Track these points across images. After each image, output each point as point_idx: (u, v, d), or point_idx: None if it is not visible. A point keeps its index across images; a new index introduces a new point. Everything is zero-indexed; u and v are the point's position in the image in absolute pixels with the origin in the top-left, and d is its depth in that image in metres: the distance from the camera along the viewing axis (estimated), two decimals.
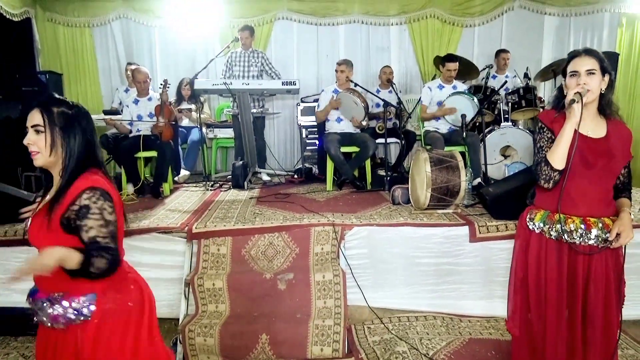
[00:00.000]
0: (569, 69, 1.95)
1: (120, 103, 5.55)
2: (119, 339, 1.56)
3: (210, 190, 4.68)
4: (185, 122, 5.52)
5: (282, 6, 5.90)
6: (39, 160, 1.54)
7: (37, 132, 1.53)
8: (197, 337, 2.84)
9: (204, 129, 5.21)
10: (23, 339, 3.18)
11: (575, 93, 1.87)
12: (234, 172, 4.77)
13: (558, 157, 1.92)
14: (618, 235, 1.94)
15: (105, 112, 5.32)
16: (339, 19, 5.98)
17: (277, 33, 6.05)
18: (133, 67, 5.40)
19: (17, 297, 3.27)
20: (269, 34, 5.99)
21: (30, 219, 1.59)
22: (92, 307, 1.52)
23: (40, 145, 1.53)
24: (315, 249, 3.24)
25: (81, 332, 1.52)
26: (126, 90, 5.55)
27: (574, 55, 1.96)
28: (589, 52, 1.94)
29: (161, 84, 4.56)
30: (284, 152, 6.17)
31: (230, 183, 4.86)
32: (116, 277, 1.56)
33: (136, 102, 4.71)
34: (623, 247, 2.03)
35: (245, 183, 4.75)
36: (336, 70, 4.76)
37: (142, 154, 4.56)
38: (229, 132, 5.58)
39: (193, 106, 5.47)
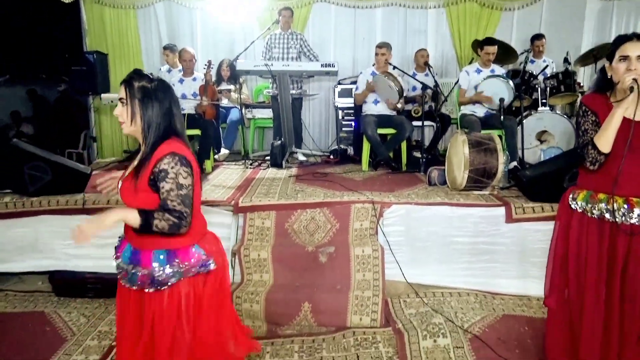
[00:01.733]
0: (619, 53, 1.98)
1: None
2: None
3: (250, 168, 4.86)
4: (224, 102, 5.70)
5: None
6: (125, 129, 1.73)
7: (122, 104, 1.71)
8: (244, 304, 3.03)
9: (242, 109, 5.38)
10: (81, 300, 3.44)
11: (632, 79, 1.91)
12: (272, 151, 4.92)
13: (606, 141, 1.98)
14: None
15: None
16: (377, 2, 6.00)
17: (315, 16, 6.12)
18: (168, 50, 5.60)
19: (76, 262, 3.56)
20: (307, 16, 6.07)
21: (120, 182, 1.77)
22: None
23: (124, 116, 1.71)
24: (354, 225, 3.38)
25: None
26: (169, 71, 5.75)
27: (624, 39, 1.99)
28: (639, 36, 1.98)
29: (205, 65, 4.73)
30: (319, 133, 6.29)
31: (268, 162, 5.02)
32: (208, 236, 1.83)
33: (181, 81, 4.91)
34: None
35: (283, 162, 4.91)
36: (376, 53, 4.83)
37: (187, 132, 4.74)
38: (266, 113, 5.74)
39: (232, 87, 5.63)
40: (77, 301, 3.44)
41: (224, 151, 5.40)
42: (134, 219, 1.60)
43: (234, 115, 5.54)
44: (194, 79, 4.88)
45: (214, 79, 5.62)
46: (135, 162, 1.73)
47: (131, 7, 6.03)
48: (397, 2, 6.02)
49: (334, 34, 6.20)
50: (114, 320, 3.11)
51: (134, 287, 1.74)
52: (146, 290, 1.70)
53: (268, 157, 5.15)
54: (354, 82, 5.29)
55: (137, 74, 1.75)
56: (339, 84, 5.65)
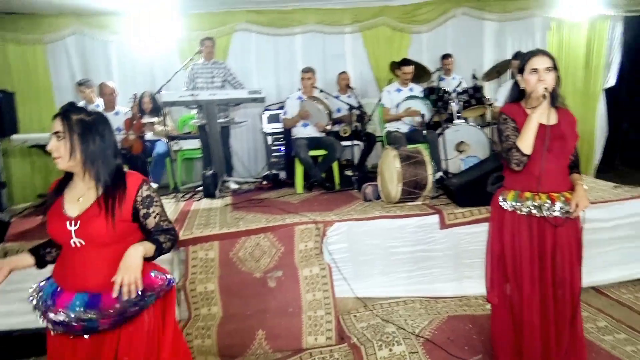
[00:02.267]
0: (529, 66, 2.24)
1: None
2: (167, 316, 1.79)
3: (182, 200, 4.74)
4: (148, 135, 5.53)
5: (240, 18, 6.05)
6: (60, 165, 1.66)
7: (58, 138, 1.63)
8: (195, 340, 2.94)
9: (168, 142, 5.25)
10: None
11: (544, 89, 2.16)
12: (204, 181, 4.84)
13: (527, 143, 2.22)
14: (576, 205, 2.26)
15: None
16: (296, 29, 6.20)
17: (236, 44, 6.18)
18: (84, 86, 5.37)
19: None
20: (228, 45, 6.11)
21: (72, 220, 1.66)
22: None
23: (61, 151, 1.63)
24: (299, 247, 3.42)
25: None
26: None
27: (532, 54, 2.26)
28: (544, 52, 2.26)
29: (130, 98, 4.59)
30: (249, 160, 6.28)
31: (200, 193, 4.92)
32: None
33: None
34: (581, 218, 2.36)
35: (217, 192, 4.84)
36: (302, 78, 4.97)
37: None
38: (193, 143, 5.64)
39: (156, 119, 5.49)
40: None
41: (153, 185, 5.21)
42: (150, 249, 1.65)
43: (160, 148, 5.39)
44: (116, 114, 4.72)
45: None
46: (84, 200, 1.67)
47: (39, 42, 5.73)
48: (315, 29, 6.25)
49: (255, 61, 6.28)
50: None
51: (87, 335, 1.64)
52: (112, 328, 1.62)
53: (199, 188, 5.05)
54: (281, 108, 5.38)
55: (72, 106, 1.70)
56: (266, 110, 5.71)
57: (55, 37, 5.76)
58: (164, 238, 1.72)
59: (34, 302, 1.70)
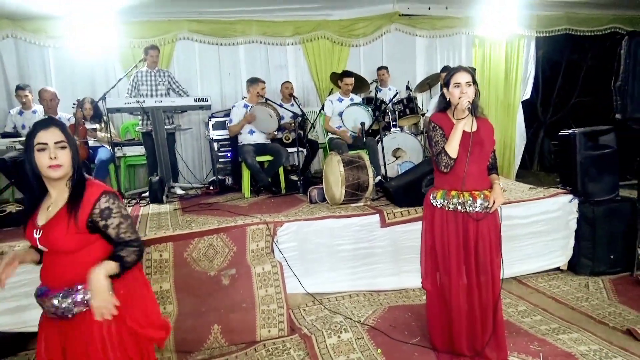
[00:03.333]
0: (453, 81, 2.59)
1: (14, 126, 5.33)
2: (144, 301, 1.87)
3: (129, 206, 4.75)
4: (91, 142, 5.46)
5: (183, 27, 6.12)
6: (59, 173, 1.71)
7: (62, 147, 1.71)
8: None
9: (113, 148, 5.23)
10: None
11: (467, 102, 2.52)
12: (151, 187, 4.88)
13: (454, 148, 2.56)
14: (494, 202, 2.64)
15: (3, 135, 5.08)
16: (239, 39, 6.36)
17: (179, 53, 6.24)
18: (26, 91, 5.24)
19: None
20: (171, 53, 6.16)
21: (38, 228, 1.74)
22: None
23: (64, 160, 1.70)
24: (251, 246, 3.60)
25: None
26: (20, 113, 5.34)
27: (455, 71, 2.62)
28: (465, 68, 2.63)
29: (74, 104, 4.55)
30: (193, 166, 6.34)
31: (146, 199, 4.95)
32: None
33: None
34: (499, 212, 2.73)
35: (164, 197, 4.90)
36: (255, 88, 5.14)
37: None
38: (136, 150, 5.63)
39: (97, 125, 5.44)
40: None
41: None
42: (112, 268, 1.67)
43: (102, 154, 5.33)
44: (59, 119, 4.64)
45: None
46: (52, 207, 1.76)
47: None
48: (258, 40, 6.45)
49: (199, 69, 6.36)
50: None
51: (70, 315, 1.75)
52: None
53: (144, 194, 5.08)
54: (227, 115, 5.53)
55: (54, 118, 1.80)
56: (212, 117, 5.82)
57: None
58: (126, 252, 1.74)
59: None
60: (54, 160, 1.68)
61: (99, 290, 1.62)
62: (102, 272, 1.64)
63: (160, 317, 2.00)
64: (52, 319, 1.78)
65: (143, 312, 1.86)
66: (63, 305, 1.72)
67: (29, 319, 3.16)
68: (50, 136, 1.69)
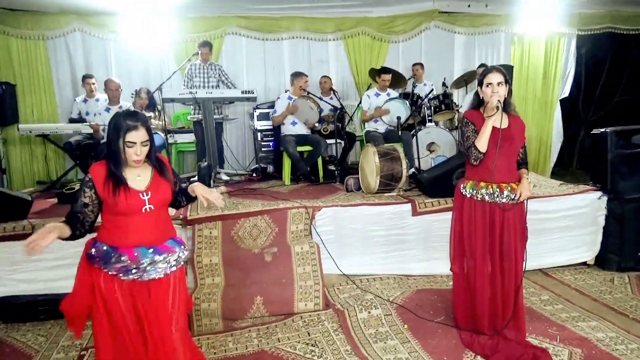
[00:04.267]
0: (485, 81, 2.80)
1: (79, 113, 5.86)
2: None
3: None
4: None
5: (231, 23, 6.51)
6: (140, 163, 2.11)
7: (145, 145, 2.08)
8: (202, 303, 3.42)
9: (166, 135, 5.67)
10: (31, 324, 3.54)
11: (498, 100, 2.73)
12: (200, 172, 5.28)
13: (483, 143, 2.78)
14: (520, 194, 2.85)
15: (70, 121, 5.62)
16: (283, 35, 6.70)
17: (228, 47, 6.63)
18: (92, 80, 5.76)
19: (24, 286, 3.64)
20: (220, 47, 6.56)
21: (147, 192, 2.14)
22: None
23: (144, 154, 2.10)
24: (291, 228, 3.93)
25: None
26: (85, 101, 5.86)
27: (488, 71, 2.82)
28: (497, 69, 2.83)
29: (132, 94, 5.00)
30: (237, 154, 6.74)
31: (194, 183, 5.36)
32: None
33: (108, 110, 5.12)
34: (525, 204, 2.94)
35: (211, 182, 5.30)
36: (299, 81, 5.45)
37: None
38: (187, 137, 6.08)
39: (152, 114, 5.90)
40: (28, 325, 3.54)
41: None
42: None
43: (156, 140, 5.68)
44: (120, 107, 5.12)
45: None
46: (143, 176, 2.17)
47: (40, 38, 6.04)
48: (301, 35, 6.77)
49: (245, 63, 6.74)
50: (74, 336, 3.31)
51: (150, 277, 2.11)
52: (169, 271, 2.14)
53: (193, 179, 5.49)
54: (271, 107, 5.88)
55: (144, 117, 2.14)
56: (257, 108, 6.20)
57: (56, 33, 6.08)
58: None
59: (96, 257, 2.10)
60: (138, 156, 2.07)
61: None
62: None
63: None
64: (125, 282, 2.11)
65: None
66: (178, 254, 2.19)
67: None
68: (137, 136, 2.05)
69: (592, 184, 4.62)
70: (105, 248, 2.11)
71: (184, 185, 2.36)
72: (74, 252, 3.56)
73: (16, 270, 3.62)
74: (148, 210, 2.11)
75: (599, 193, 4.40)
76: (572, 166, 9.67)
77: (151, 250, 2.10)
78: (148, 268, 2.09)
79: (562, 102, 7.60)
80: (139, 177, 2.15)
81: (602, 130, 4.47)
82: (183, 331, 2.25)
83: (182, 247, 2.24)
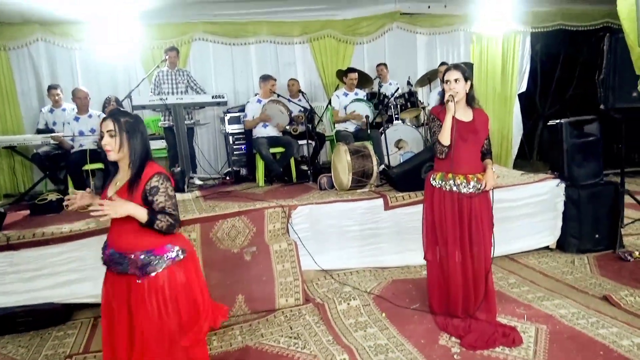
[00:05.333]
0: (445, 78, 3.00)
1: (46, 123, 5.79)
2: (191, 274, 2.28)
3: None
4: None
5: (198, 28, 6.57)
6: (111, 156, 2.13)
7: (111, 136, 2.11)
8: None
9: None
10: (11, 336, 3.50)
11: (449, 95, 2.93)
12: (173, 178, 5.31)
13: (445, 137, 2.97)
14: (485, 184, 3.05)
15: (38, 131, 5.55)
16: (250, 39, 6.81)
17: (195, 52, 6.69)
18: (57, 90, 5.69)
19: (2, 298, 3.61)
20: (188, 53, 6.61)
21: (108, 198, 2.16)
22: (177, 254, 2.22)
23: (113, 146, 2.11)
24: (269, 227, 4.03)
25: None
26: (51, 111, 5.79)
27: (446, 70, 3.03)
28: (455, 66, 3.02)
29: (105, 102, 5.00)
30: (210, 158, 6.78)
31: None
32: (178, 236, 2.27)
33: (77, 119, 5.10)
34: (490, 192, 3.14)
35: (185, 187, 5.35)
36: (266, 84, 5.59)
37: (90, 167, 4.97)
38: (157, 144, 6.06)
39: None
40: (7, 337, 3.50)
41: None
42: (142, 215, 2.06)
43: None
44: (90, 116, 5.11)
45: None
46: (119, 183, 2.18)
47: (2, 49, 5.96)
48: (267, 39, 6.89)
49: (214, 68, 6.82)
50: (57, 345, 3.35)
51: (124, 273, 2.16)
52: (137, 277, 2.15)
53: None
54: (242, 110, 5.96)
55: (119, 111, 2.23)
56: (227, 112, 6.26)
57: (19, 43, 6.01)
58: (161, 217, 2.08)
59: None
60: (104, 146, 2.11)
61: (116, 206, 2.02)
62: (132, 207, 2.05)
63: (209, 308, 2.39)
64: (120, 275, 2.20)
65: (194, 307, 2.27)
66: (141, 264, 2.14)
67: (78, 291, 3.64)
68: (104, 126, 2.12)
69: (551, 172, 4.90)
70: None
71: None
72: (50, 261, 3.62)
73: None
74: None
75: (557, 180, 4.67)
76: (532, 158, 10.10)
77: (117, 256, 2.17)
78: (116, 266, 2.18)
79: (521, 97, 7.96)
80: (117, 182, 2.20)
81: (558, 121, 4.76)
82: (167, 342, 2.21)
83: (155, 259, 2.13)
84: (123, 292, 2.20)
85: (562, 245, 4.72)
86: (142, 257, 2.13)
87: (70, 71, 6.29)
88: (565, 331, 3.11)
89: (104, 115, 2.36)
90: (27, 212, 4.55)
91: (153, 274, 2.15)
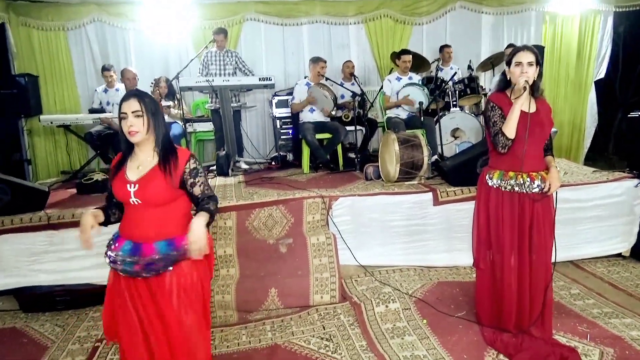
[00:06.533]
0: (515, 60, 2.59)
1: (100, 103, 5.88)
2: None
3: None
4: (165, 118, 5.90)
5: (250, 8, 6.39)
6: (137, 138, 1.97)
7: (137, 116, 1.96)
8: (216, 295, 3.36)
9: (185, 124, 5.64)
10: (50, 313, 3.56)
11: (524, 81, 2.52)
12: (218, 161, 5.24)
13: (511, 129, 2.57)
14: (550, 185, 2.64)
15: (91, 111, 5.64)
16: (302, 20, 6.54)
17: (246, 33, 6.52)
18: (111, 71, 5.74)
19: (43, 277, 3.67)
20: (239, 34, 6.46)
21: (134, 184, 2.00)
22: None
23: (139, 127, 1.96)
24: (307, 218, 3.83)
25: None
26: (105, 91, 5.86)
27: (517, 50, 2.61)
28: (528, 48, 2.61)
29: (152, 83, 4.96)
30: (258, 142, 6.66)
31: (214, 172, 5.32)
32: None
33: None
34: (554, 196, 2.74)
35: (229, 171, 5.24)
36: (316, 67, 5.35)
37: None
38: (206, 126, 6.03)
39: (171, 103, 5.87)
40: (47, 315, 3.56)
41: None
42: (207, 218, 1.96)
43: (175, 130, 5.77)
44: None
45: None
46: (143, 167, 2.03)
47: (60, 29, 6.06)
48: (321, 20, 6.59)
49: (264, 49, 6.62)
50: (91, 327, 3.33)
51: (130, 275, 2.02)
52: (144, 275, 2.00)
53: (212, 167, 5.45)
54: (290, 94, 5.76)
55: (140, 91, 2.07)
56: (275, 95, 6.09)
57: (76, 24, 6.09)
58: (212, 205, 2.02)
59: (108, 243, 2.08)
60: (131, 127, 1.95)
61: (199, 236, 1.88)
62: (202, 222, 1.92)
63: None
64: (124, 277, 2.05)
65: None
66: (158, 257, 1.98)
67: None
68: (128, 107, 1.96)
69: (629, 170, 4.34)
70: (114, 233, 2.12)
71: (199, 193, 2.07)
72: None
73: (35, 261, 3.64)
74: (135, 203, 2.01)
75: (637, 181, 4.12)
76: (607, 152, 9.22)
77: (129, 247, 2.01)
78: (122, 266, 2.01)
79: (597, 83, 7.19)
80: (139, 167, 2.05)
81: None
82: (194, 326, 2.10)
83: (175, 250, 2.01)
84: (143, 293, 2.06)
85: (638, 253, 4.19)
86: (161, 248, 2.01)
87: (124, 51, 6.32)
88: (637, 358, 2.69)
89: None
90: (75, 190, 4.62)
91: (170, 268, 2.03)
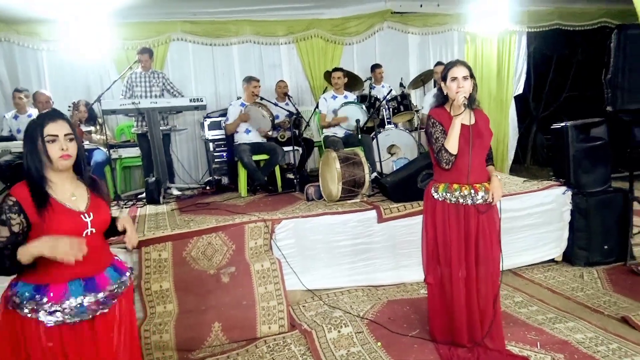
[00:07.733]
0: (450, 75, 2.60)
1: (10, 130, 5.33)
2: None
3: (126, 207, 4.76)
4: (85, 144, 5.46)
5: (176, 28, 6.14)
6: (68, 164, 1.79)
7: (70, 140, 1.77)
8: (153, 336, 3.05)
9: (109, 150, 5.24)
10: None
11: (464, 97, 2.53)
12: (147, 188, 4.88)
13: (453, 145, 2.57)
14: (493, 195, 2.66)
15: (1, 139, 5.09)
16: (232, 39, 6.38)
17: (173, 53, 6.25)
18: (23, 94, 5.23)
19: None
20: (165, 54, 6.17)
21: (88, 214, 1.82)
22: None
23: (73, 151, 1.78)
24: (250, 244, 3.62)
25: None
26: (15, 117, 5.33)
27: (452, 65, 2.63)
28: (461, 62, 2.65)
29: (69, 107, 4.56)
30: (189, 167, 6.35)
31: (143, 200, 4.96)
32: None
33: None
34: (498, 205, 2.76)
35: (161, 198, 4.91)
36: (249, 87, 5.18)
37: None
38: (132, 152, 5.65)
39: (92, 128, 5.45)
40: None
41: None
42: None
43: (98, 156, 5.34)
44: (29, 116, 4.67)
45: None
46: (79, 195, 1.84)
47: None
48: (251, 39, 6.47)
49: (193, 70, 6.39)
50: None
51: (78, 320, 1.75)
52: (99, 312, 1.76)
53: (141, 195, 5.09)
54: (223, 115, 5.55)
55: (59, 111, 1.85)
56: (207, 117, 5.84)
57: None
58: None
59: (16, 302, 1.72)
60: (65, 151, 1.75)
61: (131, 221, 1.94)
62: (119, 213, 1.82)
63: None
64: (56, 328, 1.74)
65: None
66: (113, 287, 1.85)
67: None
68: (60, 128, 1.76)
69: (556, 179, 4.55)
70: (28, 288, 1.74)
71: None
72: None
73: None
74: (89, 234, 1.79)
75: (564, 188, 4.33)
76: (526, 162, 9.81)
77: (80, 287, 1.76)
78: (75, 312, 1.74)
79: (516, 99, 7.65)
80: (73, 197, 1.82)
81: (562, 124, 4.42)
82: None
83: (123, 275, 1.92)
84: (85, 336, 1.79)
85: (569, 257, 4.38)
86: (112, 275, 1.88)
87: (37, 74, 5.82)
88: None
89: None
90: None
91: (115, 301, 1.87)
